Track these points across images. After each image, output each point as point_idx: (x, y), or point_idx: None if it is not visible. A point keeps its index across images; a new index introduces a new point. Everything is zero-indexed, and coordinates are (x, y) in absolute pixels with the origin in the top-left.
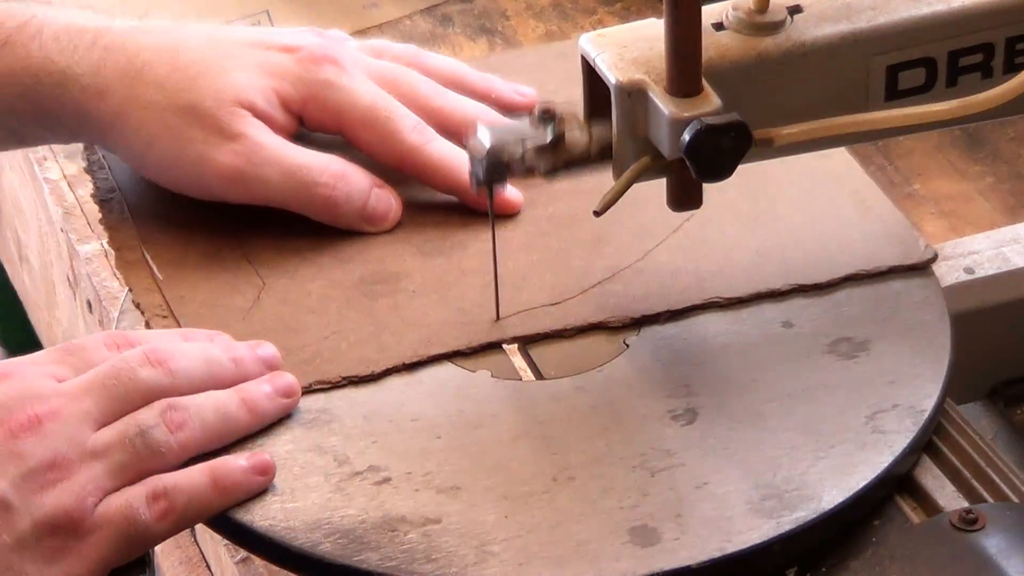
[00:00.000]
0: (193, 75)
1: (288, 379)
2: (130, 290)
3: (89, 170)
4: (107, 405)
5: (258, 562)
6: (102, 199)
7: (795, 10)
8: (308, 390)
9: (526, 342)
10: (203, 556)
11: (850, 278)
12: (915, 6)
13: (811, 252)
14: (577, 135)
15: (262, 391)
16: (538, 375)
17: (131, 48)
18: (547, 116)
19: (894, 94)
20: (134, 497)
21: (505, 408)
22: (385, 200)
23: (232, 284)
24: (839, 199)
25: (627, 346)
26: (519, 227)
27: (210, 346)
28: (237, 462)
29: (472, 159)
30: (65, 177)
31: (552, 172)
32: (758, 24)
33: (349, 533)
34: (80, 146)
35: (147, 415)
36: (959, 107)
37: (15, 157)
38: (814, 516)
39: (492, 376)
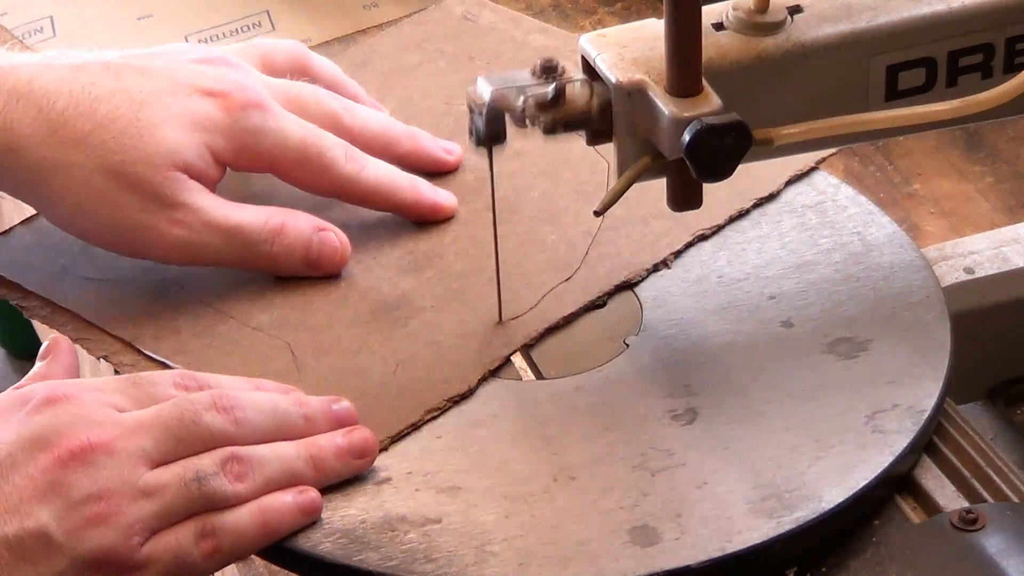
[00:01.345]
0: (117, 133)
1: (364, 435)
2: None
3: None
4: (165, 445)
5: (258, 562)
6: (42, 316)
7: (795, 10)
8: (422, 422)
9: (572, 319)
10: None
11: (793, 180)
12: (915, 6)
13: (754, 174)
14: (579, 89)
15: (333, 447)
16: (538, 375)
17: (39, 95)
18: (549, 68)
19: (894, 94)
20: (183, 536)
21: (505, 408)
22: (330, 244)
23: (256, 352)
24: None
25: (627, 346)
26: (472, 223)
27: (281, 398)
28: (285, 499)
29: (471, 112)
30: None
31: (551, 129)
32: (758, 24)
33: (349, 533)
34: None
35: (207, 462)
36: (959, 107)
37: None
38: (814, 516)
39: (492, 376)
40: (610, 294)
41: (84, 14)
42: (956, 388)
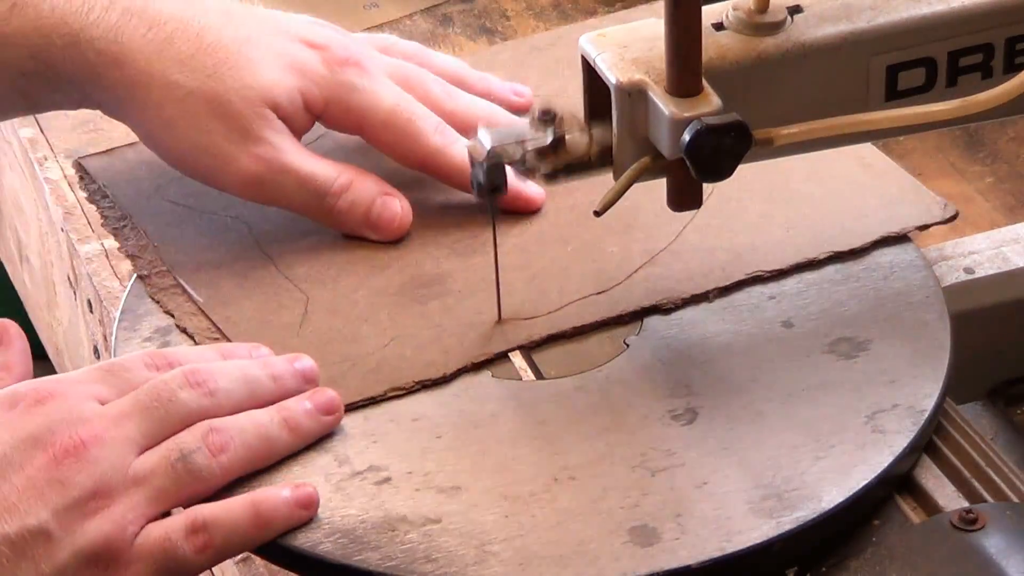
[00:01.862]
0: (218, 61)
1: (329, 395)
2: (172, 314)
3: (91, 200)
4: (148, 428)
5: (258, 562)
6: (114, 228)
7: (795, 10)
8: (383, 398)
9: (583, 332)
10: None
11: (883, 241)
12: (915, 6)
13: (837, 221)
14: (577, 137)
15: (303, 409)
16: (538, 375)
17: (152, 14)
18: (547, 118)
19: (894, 94)
20: (173, 530)
21: (505, 408)
22: (391, 208)
23: (276, 300)
24: (847, 167)
25: (627, 346)
26: (546, 219)
27: (249, 363)
28: (280, 494)
29: (472, 162)
30: (65, 177)
31: (552, 175)
32: (758, 24)
33: (349, 533)
34: (83, 145)
35: (188, 438)
36: (959, 107)
37: (15, 157)
38: (814, 516)
39: (492, 376)
40: (636, 315)
41: None
42: (956, 388)
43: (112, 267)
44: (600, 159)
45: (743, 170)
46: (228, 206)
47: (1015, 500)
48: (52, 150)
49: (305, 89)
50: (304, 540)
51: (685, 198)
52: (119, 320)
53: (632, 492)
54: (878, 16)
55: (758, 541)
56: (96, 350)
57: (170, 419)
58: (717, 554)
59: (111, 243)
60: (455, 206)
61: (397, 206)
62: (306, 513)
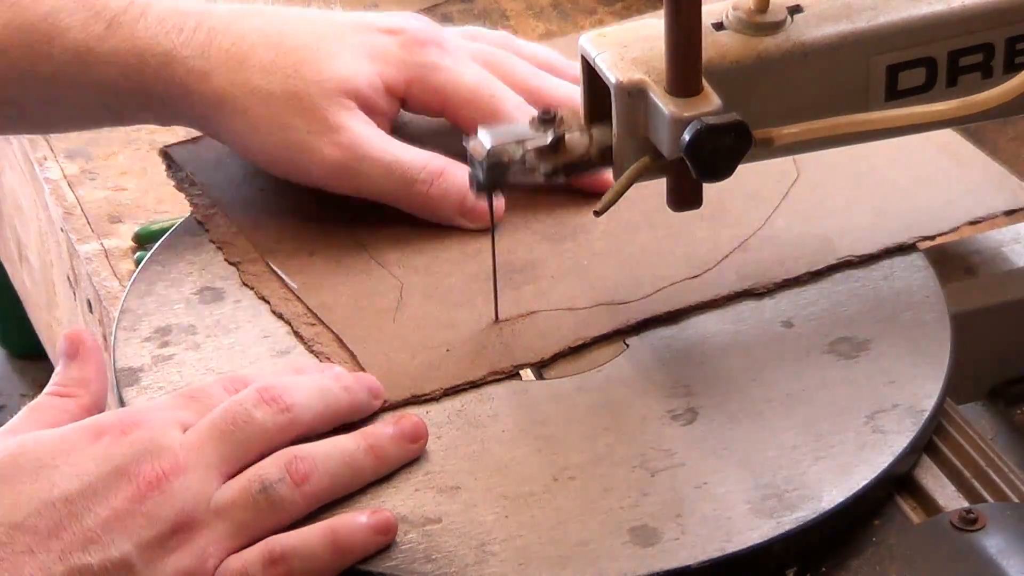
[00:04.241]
0: (297, 61)
1: (414, 421)
2: (267, 300)
3: (179, 188)
4: (228, 452)
5: None
6: (204, 215)
7: (795, 10)
8: (483, 382)
9: (677, 316)
10: None
11: (972, 223)
12: (915, 6)
13: (924, 206)
14: (577, 137)
15: (387, 435)
16: (538, 375)
17: (236, 31)
18: (547, 118)
19: (894, 94)
20: (251, 563)
21: (505, 408)
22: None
23: (370, 286)
24: (932, 153)
25: (627, 346)
26: (634, 205)
27: (321, 376)
28: (358, 520)
29: (472, 161)
30: (65, 177)
31: (552, 174)
32: (758, 24)
33: None
34: (83, 145)
35: (271, 468)
36: (959, 107)
37: (15, 157)
38: (814, 516)
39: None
40: (729, 299)
41: None
42: (956, 388)
43: (112, 267)
44: (600, 158)
45: (826, 156)
46: (319, 197)
47: (1015, 500)
48: (52, 150)
49: (385, 73)
50: None
51: (685, 198)
52: (119, 320)
53: (632, 492)
54: (878, 16)
55: (758, 541)
56: None
57: (249, 441)
58: (717, 554)
59: (111, 243)
60: (544, 191)
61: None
62: (384, 539)
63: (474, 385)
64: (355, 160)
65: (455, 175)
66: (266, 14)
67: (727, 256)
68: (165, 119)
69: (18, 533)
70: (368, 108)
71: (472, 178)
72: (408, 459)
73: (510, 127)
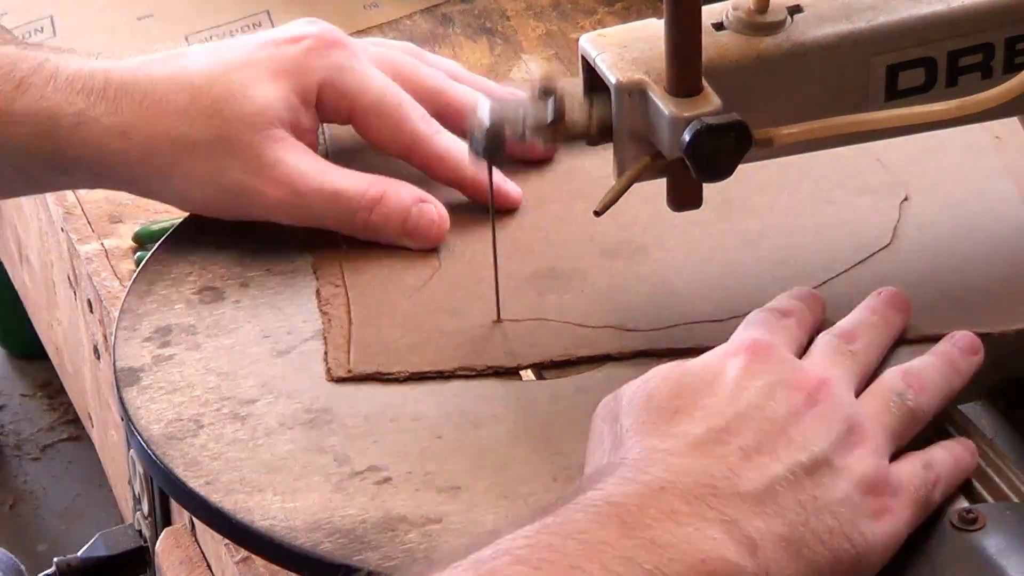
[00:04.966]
0: (213, 99)
1: (968, 336)
2: (318, 256)
3: None
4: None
5: (258, 562)
6: None
7: (795, 10)
8: (452, 375)
9: (672, 353)
10: (203, 556)
11: None
12: (915, 6)
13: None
14: (577, 112)
15: (953, 349)
16: (538, 375)
17: (143, 82)
18: (548, 92)
19: (894, 94)
20: (915, 467)
21: (505, 408)
22: (427, 215)
23: (410, 262)
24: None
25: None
26: (705, 240)
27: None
28: (959, 443)
29: (472, 134)
30: None
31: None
32: (758, 24)
33: (349, 533)
34: None
35: (894, 381)
36: (959, 107)
37: None
38: None
39: (493, 377)
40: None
41: (84, 14)
42: None
43: (112, 267)
44: (600, 133)
45: (922, 207)
46: (388, 159)
47: (1015, 500)
48: None
49: (298, 85)
50: (304, 540)
51: (685, 198)
52: (119, 320)
53: None
54: (878, 16)
55: None
56: (96, 350)
57: (857, 367)
58: None
59: (111, 243)
60: (621, 208)
61: (433, 212)
62: (969, 459)
63: (441, 375)
64: (296, 196)
65: (396, 197)
66: (170, 58)
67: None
68: (87, 183)
69: (727, 437)
70: (294, 130)
71: (471, 151)
72: (972, 372)
73: (510, 100)
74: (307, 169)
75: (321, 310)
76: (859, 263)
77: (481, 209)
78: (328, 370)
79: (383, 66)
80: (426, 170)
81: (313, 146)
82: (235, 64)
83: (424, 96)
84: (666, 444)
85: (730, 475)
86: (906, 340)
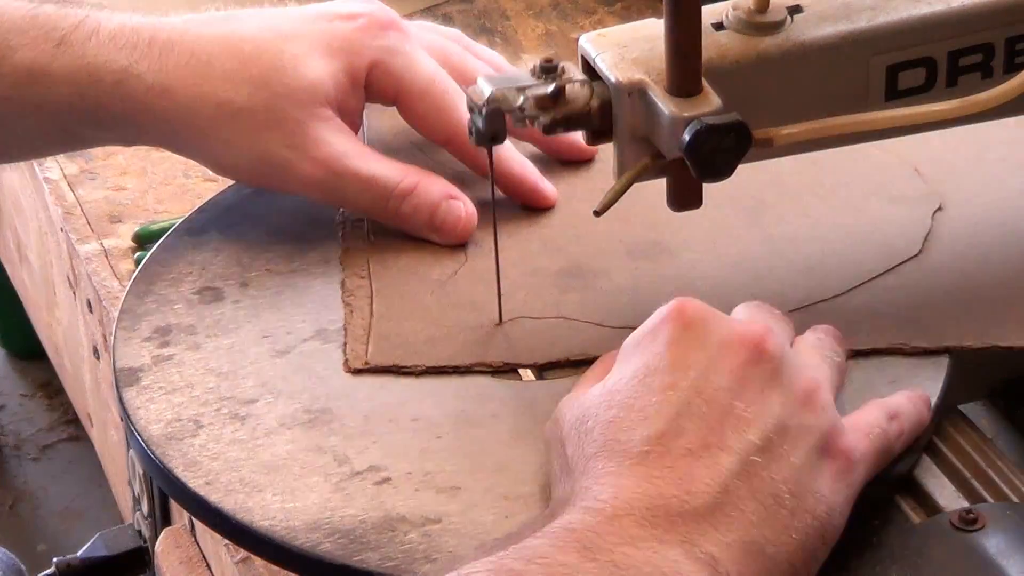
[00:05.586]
0: (263, 68)
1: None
2: (345, 249)
3: None
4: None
5: (258, 562)
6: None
7: (795, 10)
8: (469, 370)
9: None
10: (203, 556)
11: None
12: (915, 6)
13: None
14: (578, 88)
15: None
16: (538, 375)
17: (190, 41)
18: (549, 67)
19: (894, 94)
20: (876, 418)
21: (505, 408)
22: (455, 212)
23: (436, 256)
24: None
25: None
26: (733, 244)
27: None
28: (916, 395)
29: (471, 110)
30: (65, 177)
31: (551, 127)
32: (758, 24)
33: (349, 533)
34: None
35: (814, 334)
36: (959, 107)
37: None
38: None
39: (493, 377)
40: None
41: None
42: (956, 388)
43: (112, 267)
44: (600, 112)
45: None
46: (426, 147)
47: (1015, 500)
48: None
49: (347, 64)
50: (304, 540)
51: (685, 198)
52: (119, 320)
53: None
54: (878, 16)
55: None
56: (96, 350)
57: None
58: None
59: (111, 243)
60: (650, 206)
61: (461, 210)
62: (927, 414)
63: (458, 371)
64: (334, 177)
65: (427, 191)
66: (220, 19)
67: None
68: (127, 139)
69: (671, 443)
70: (340, 110)
71: (470, 128)
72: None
73: (510, 75)
74: (347, 151)
75: (344, 301)
76: (885, 272)
77: (512, 204)
78: (346, 361)
79: (433, 53)
80: (464, 161)
81: (355, 127)
82: (287, 35)
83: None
84: (610, 466)
85: (680, 491)
86: (906, 352)
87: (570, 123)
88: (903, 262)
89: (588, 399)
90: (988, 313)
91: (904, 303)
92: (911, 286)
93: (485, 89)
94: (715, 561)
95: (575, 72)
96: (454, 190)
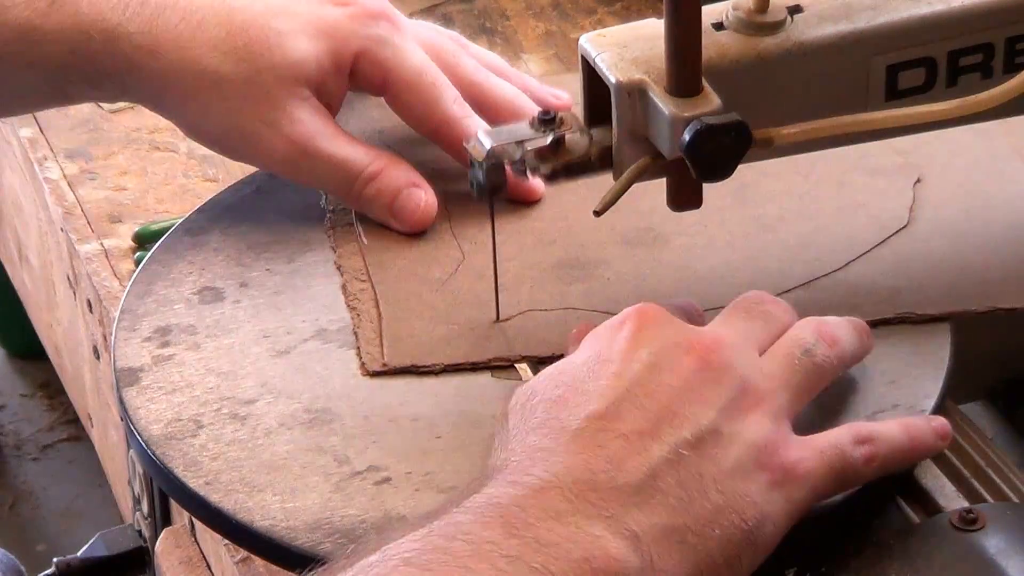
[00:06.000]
0: (249, 41)
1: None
2: (336, 252)
3: None
4: (759, 329)
5: (258, 562)
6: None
7: (795, 10)
8: (487, 365)
9: None
10: (203, 556)
11: None
12: (915, 6)
13: None
14: (578, 138)
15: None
16: (536, 373)
17: (183, 6)
18: (547, 119)
19: (894, 94)
20: (840, 439)
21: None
22: (414, 199)
23: (432, 255)
24: None
25: None
26: (724, 226)
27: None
28: (927, 423)
29: (472, 163)
30: (65, 177)
31: (552, 176)
32: (758, 24)
33: (349, 533)
34: (83, 145)
35: (804, 334)
36: (959, 107)
37: (15, 157)
38: (813, 515)
39: (493, 376)
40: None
41: None
42: (956, 388)
43: (112, 267)
44: (600, 159)
45: (948, 206)
46: (421, 151)
47: (1015, 500)
48: (52, 150)
49: (333, 49)
50: (304, 540)
51: (685, 198)
52: (119, 320)
53: None
54: (878, 16)
55: None
56: (96, 350)
57: (768, 326)
58: None
59: (111, 243)
60: (642, 194)
61: (421, 197)
62: (943, 444)
63: (475, 367)
64: (303, 156)
65: (391, 176)
66: None
67: (784, 292)
68: (113, 96)
69: (607, 424)
70: (319, 89)
71: (471, 182)
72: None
73: (509, 127)
74: (320, 132)
75: (349, 305)
76: (879, 244)
77: (500, 200)
78: (362, 365)
79: (426, 48)
80: (452, 153)
81: (334, 111)
82: (277, 11)
83: (463, 85)
84: (545, 441)
85: (609, 468)
86: (914, 320)
87: (571, 171)
88: (894, 233)
89: (538, 379)
90: (984, 278)
91: (902, 273)
92: (905, 256)
93: (485, 143)
94: (637, 539)
95: (573, 121)
96: (418, 178)
